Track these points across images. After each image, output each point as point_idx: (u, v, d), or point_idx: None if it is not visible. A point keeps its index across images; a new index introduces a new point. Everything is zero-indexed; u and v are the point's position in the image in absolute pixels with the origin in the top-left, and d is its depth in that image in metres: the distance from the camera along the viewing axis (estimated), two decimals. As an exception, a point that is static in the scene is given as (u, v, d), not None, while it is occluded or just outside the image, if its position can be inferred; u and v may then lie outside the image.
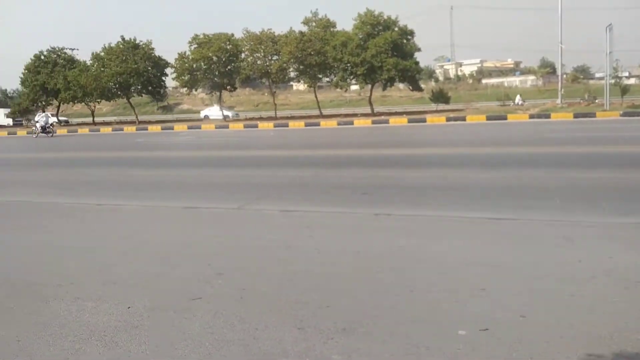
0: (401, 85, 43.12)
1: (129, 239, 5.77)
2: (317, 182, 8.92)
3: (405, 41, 32.95)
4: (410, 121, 26.90)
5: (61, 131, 34.64)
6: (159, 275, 4.45)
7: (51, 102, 43.71)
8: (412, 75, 33.27)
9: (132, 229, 6.28)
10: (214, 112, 41.67)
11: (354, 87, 44.41)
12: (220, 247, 5.31)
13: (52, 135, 28.98)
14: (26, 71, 41.56)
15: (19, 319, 3.68)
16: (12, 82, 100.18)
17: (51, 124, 30.12)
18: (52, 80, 39.54)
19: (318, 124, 28.65)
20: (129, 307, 3.74)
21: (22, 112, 45.64)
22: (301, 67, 33.61)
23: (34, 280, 4.49)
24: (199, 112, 46.16)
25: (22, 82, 42.48)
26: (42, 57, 41.45)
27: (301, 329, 3.26)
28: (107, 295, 4.03)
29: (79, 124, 42.52)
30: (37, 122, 30.26)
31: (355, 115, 35.27)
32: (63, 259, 5.12)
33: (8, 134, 36.53)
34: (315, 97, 36.85)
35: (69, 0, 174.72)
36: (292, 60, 32.89)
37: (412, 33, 33.26)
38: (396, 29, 32.51)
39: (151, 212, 7.24)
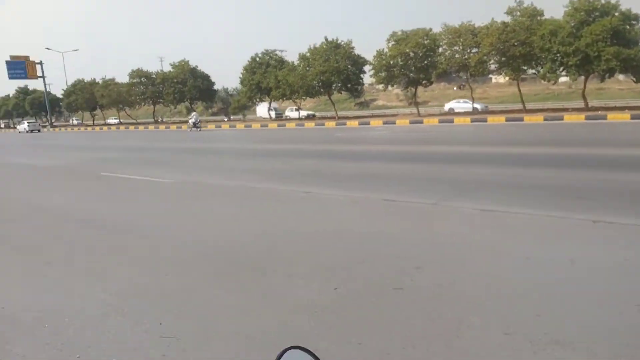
0: (621, 77, 37.74)
1: (333, 226, 6.17)
2: (518, 182, 8.37)
3: (628, 27, 28.69)
4: (633, 117, 23.39)
5: (272, 125, 38.44)
6: (361, 262, 4.69)
7: (264, 99, 48.79)
8: (636, 65, 28.84)
9: (336, 216, 6.70)
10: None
11: (563, 79, 40.31)
12: (418, 241, 5.35)
13: (199, 130, 35.90)
14: (244, 71, 47.00)
15: (243, 288, 4.24)
16: (228, 82, 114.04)
17: (199, 121, 37.97)
18: (265, 79, 44.03)
19: (521, 119, 26.73)
20: (335, 289, 4.03)
21: (240, 108, 51.87)
22: (503, 58, 31.68)
23: (256, 255, 5.10)
24: (392, 107, 46.76)
25: (241, 81, 48.14)
26: (257, 59, 46.44)
27: (509, 334, 3.13)
28: (316, 276, 4.40)
29: (285, 119, 46.68)
30: (191, 118, 37.95)
31: (564, 109, 31.96)
32: (275, 239, 5.73)
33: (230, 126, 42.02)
34: (519, 89, 34.37)
35: (278, 4, 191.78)
36: (492, 52, 31.22)
37: (636, 18, 28.79)
38: (616, 14, 28.49)
39: (353, 202, 7.62)
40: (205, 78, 53.74)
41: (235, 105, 52.36)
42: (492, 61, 33.25)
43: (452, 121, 29.30)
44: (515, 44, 30.08)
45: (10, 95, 77.97)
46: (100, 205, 8.53)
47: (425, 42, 34.61)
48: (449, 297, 3.78)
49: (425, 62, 35.40)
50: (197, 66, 53.64)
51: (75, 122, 73.78)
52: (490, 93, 55.57)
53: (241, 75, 47.72)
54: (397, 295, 3.86)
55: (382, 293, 3.91)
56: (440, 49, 35.24)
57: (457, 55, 34.05)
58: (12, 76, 56.12)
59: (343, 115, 44.58)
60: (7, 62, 55.09)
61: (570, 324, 3.21)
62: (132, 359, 3.10)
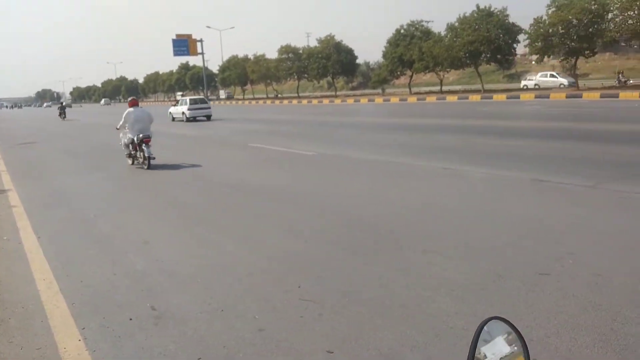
0: None
1: (475, 204, 5.92)
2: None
3: None
4: None
5: (411, 99, 37.76)
6: (507, 245, 4.44)
7: (405, 72, 47.88)
8: None
9: (479, 195, 6.42)
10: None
11: None
12: (571, 225, 4.91)
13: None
14: (388, 45, 46.47)
15: (382, 260, 4.27)
16: (372, 56, 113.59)
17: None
18: (409, 52, 43.09)
19: None
20: (476, 270, 3.88)
21: (380, 81, 51.65)
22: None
23: (394, 229, 5.11)
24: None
25: (384, 55, 47.74)
26: (402, 31, 45.54)
27: (677, 335, 2.75)
28: (456, 254, 4.27)
29: (426, 93, 45.49)
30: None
31: None
32: (414, 214, 5.66)
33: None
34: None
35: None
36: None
37: None
38: None
39: (497, 180, 7.22)
40: (349, 52, 54.20)
41: (376, 79, 52.20)
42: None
43: (616, 96, 26.05)
44: None
45: (174, 71, 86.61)
46: (249, 174, 9.17)
47: (593, 7, 30.90)
48: (605, 287, 3.43)
49: (590, 29, 31.67)
50: (341, 40, 54.31)
51: (224, 95, 79.51)
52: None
53: (384, 49, 47.28)
54: (545, 281, 3.60)
55: (527, 278, 3.67)
56: (610, 15, 31.23)
57: (630, 22, 29.92)
58: (176, 53, 61.86)
59: (490, 89, 42.07)
60: (173, 40, 60.79)
61: None
62: (272, 318, 3.32)
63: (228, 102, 64.99)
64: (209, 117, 26.95)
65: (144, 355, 2.96)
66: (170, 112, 29.11)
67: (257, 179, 8.54)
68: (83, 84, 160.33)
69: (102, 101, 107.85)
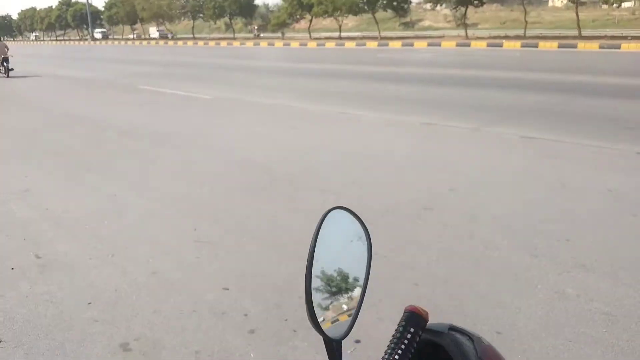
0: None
1: (369, 147, 6.14)
2: (566, 110, 8.03)
3: None
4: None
5: (311, 44, 37.55)
6: (394, 182, 4.70)
7: (305, 15, 47.21)
8: None
9: (371, 137, 6.66)
10: None
11: (627, 4, 37.30)
12: (454, 164, 5.29)
13: None
14: (288, -14, 45.26)
15: (277, 200, 4.34)
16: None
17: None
18: (309, -5, 42.37)
19: (575, 46, 25.20)
20: (365, 206, 4.08)
21: (279, 25, 50.54)
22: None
23: (289, 171, 5.18)
24: (439, 29, 44.36)
25: (285, -2, 46.57)
26: (303, -27, 44.54)
27: (535, 257, 3.14)
28: (348, 192, 4.45)
29: (326, 38, 45.38)
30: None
31: (624, 37, 29.86)
32: (310, 156, 5.77)
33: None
34: (577, 14, 32.09)
35: None
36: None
37: None
38: None
39: (389, 124, 7.52)
40: (247, -8, 52.15)
41: (275, 22, 51.01)
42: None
43: (500, 45, 27.86)
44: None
45: (53, 7, 78.03)
46: (138, 117, 8.72)
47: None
48: (480, 219, 3.78)
49: (478, -20, 33.13)
50: (239, -22, 51.90)
51: (98, 34, 71.96)
52: (545, 17, 52.08)
53: (285, -9, 46.00)
54: (428, 214, 3.89)
55: (412, 212, 3.94)
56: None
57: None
58: (54, -14, 55.74)
59: (386, 36, 42.94)
60: (49, -29, 54.66)
61: (598, 251, 3.18)
62: (167, 260, 3.28)
63: (104, 42, 59.91)
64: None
65: (29, 303, 2.81)
66: None
67: (148, 122, 8.15)
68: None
69: None
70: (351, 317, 0.63)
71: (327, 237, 0.62)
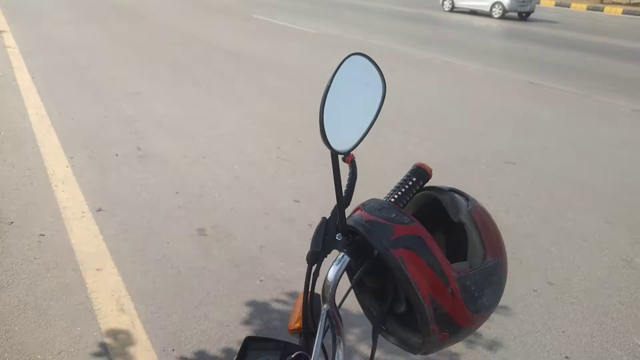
0: None
1: (465, 97, 6.00)
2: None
3: None
4: None
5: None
6: (481, 135, 4.62)
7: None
8: None
9: (471, 89, 6.47)
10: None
11: None
12: (551, 126, 5.06)
13: None
14: None
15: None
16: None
17: None
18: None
19: None
20: (448, 152, 4.08)
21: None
22: None
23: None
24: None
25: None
26: None
27: (610, 223, 3.04)
28: (432, 136, 4.46)
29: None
30: None
31: None
32: (402, 99, 5.76)
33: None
34: None
35: None
36: None
37: None
38: None
39: (493, 78, 7.23)
40: None
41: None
42: None
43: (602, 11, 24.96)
44: None
45: None
46: (247, 43, 9.05)
47: None
48: (564, 181, 3.66)
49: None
50: None
51: None
52: None
53: None
54: (509, 168, 3.83)
55: (494, 164, 3.89)
56: None
57: None
58: None
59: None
60: None
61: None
62: (250, 169, 3.56)
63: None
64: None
65: (125, 185, 3.22)
66: None
67: (255, 49, 8.45)
68: None
69: None
70: (356, 140, 0.75)
71: (345, 76, 0.73)
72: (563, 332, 2.14)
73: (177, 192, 3.14)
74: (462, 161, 3.92)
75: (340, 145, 0.71)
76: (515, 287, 2.40)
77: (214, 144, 3.99)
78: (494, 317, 2.21)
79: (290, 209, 3.01)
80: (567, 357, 2.01)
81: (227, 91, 5.66)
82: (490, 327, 2.14)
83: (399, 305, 0.78)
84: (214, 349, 1.93)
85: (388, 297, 0.79)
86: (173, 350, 1.92)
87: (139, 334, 1.99)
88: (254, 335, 0.68)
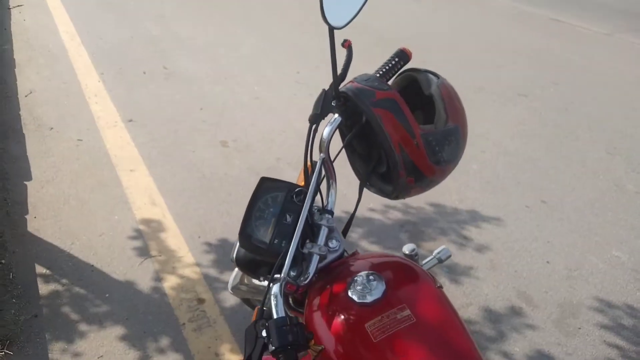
0: None
1: (483, 32, 5.99)
2: None
3: None
4: None
5: None
6: (495, 67, 4.69)
7: None
8: None
9: (491, 24, 6.42)
10: None
11: None
12: (567, 63, 5.07)
13: None
14: None
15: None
16: None
17: None
18: None
19: None
20: (462, 82, 4.18)
21: None
22: None
23: (398, 37, 5.29)
24: None
25: None
26: None
27: (610, 153, 3.19)
28: (447, 66, 4.54)
29: None
30: None
31: None
32: (430, 31, 5.77)
33: None
34: None
35: None
36: None
37: None
38: None
39: (515, 13, 7.12)
40: None
41: None
42: None
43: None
44: None
45: None
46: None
47: None
48: (572, 113, 3.77)
49: None
50: None
51: None
52: None
53: None
54: (520, 100, 3.94)
55: (506, 95, 4.00)
56: None
57: None
58: None
59: None
60: None
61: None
62: (269, 90, 3.73)
63: None
64: None
65: (153, 99, 3.44)
66: None
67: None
68: None
69: None
70: (350, 16, 0.94)
71: None
72: (548, 242, 2.37)
73: (201, 108, 3.35)
74: (478, 90, 4.03)
75: (337, 21, 0.90)
76: (511, 203, 2.61)
77: (235, 65, 4.15)
78: (485, 225, 2.44)
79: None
80: (548, 261, 2.25)
81: (249, 18, 5.73)
82: (481, 234, 2.37)
83: (381, 167, 0.99)
84: (234, 238, 2.19)
85: (372, 161, 1.01)
86: (199, 237, 2.20)
87: (169, 223, 2.26)
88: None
